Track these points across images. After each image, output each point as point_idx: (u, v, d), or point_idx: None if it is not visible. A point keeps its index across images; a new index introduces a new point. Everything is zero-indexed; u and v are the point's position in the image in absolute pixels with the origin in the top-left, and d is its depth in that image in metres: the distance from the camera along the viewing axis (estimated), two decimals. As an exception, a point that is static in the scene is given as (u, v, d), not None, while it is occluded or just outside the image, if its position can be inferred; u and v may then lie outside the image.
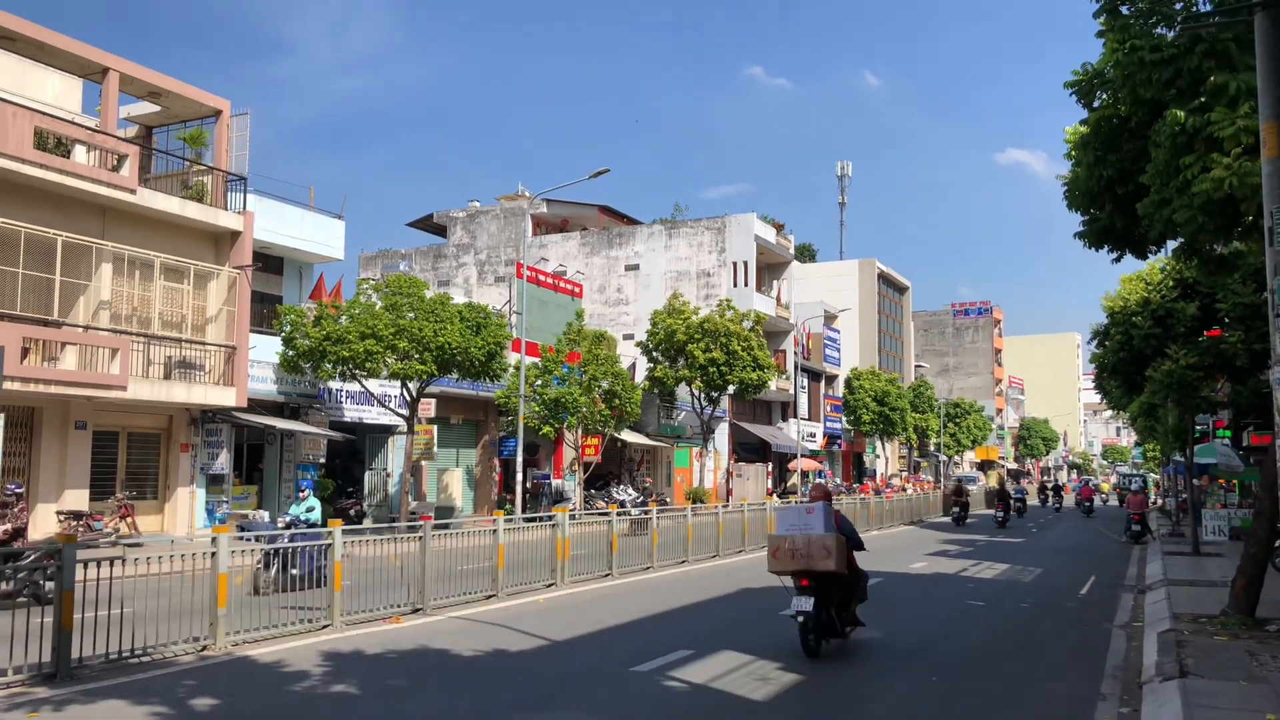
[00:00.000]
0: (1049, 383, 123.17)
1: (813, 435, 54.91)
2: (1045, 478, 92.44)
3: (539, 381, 30.47)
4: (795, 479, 48.16)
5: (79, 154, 19.97)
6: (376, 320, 23.00)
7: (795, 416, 51.28)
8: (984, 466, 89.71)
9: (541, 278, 37.96)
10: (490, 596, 14.02)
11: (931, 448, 74.78)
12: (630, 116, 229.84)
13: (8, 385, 16.95)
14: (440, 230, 56.33)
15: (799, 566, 10.21)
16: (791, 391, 51.25)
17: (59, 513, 19.76)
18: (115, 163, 20.56)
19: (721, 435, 45.39)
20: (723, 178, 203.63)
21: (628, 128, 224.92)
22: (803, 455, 49.17)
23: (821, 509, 10.37)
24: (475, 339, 24.15)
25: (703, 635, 11.39)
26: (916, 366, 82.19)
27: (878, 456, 67.38)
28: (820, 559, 10.06)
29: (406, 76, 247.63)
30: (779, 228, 54.44)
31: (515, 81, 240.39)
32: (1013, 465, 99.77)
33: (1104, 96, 11.41)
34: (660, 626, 12.27)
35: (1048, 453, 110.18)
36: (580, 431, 32.82)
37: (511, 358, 28.85)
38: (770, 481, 48.15)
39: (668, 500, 38.56)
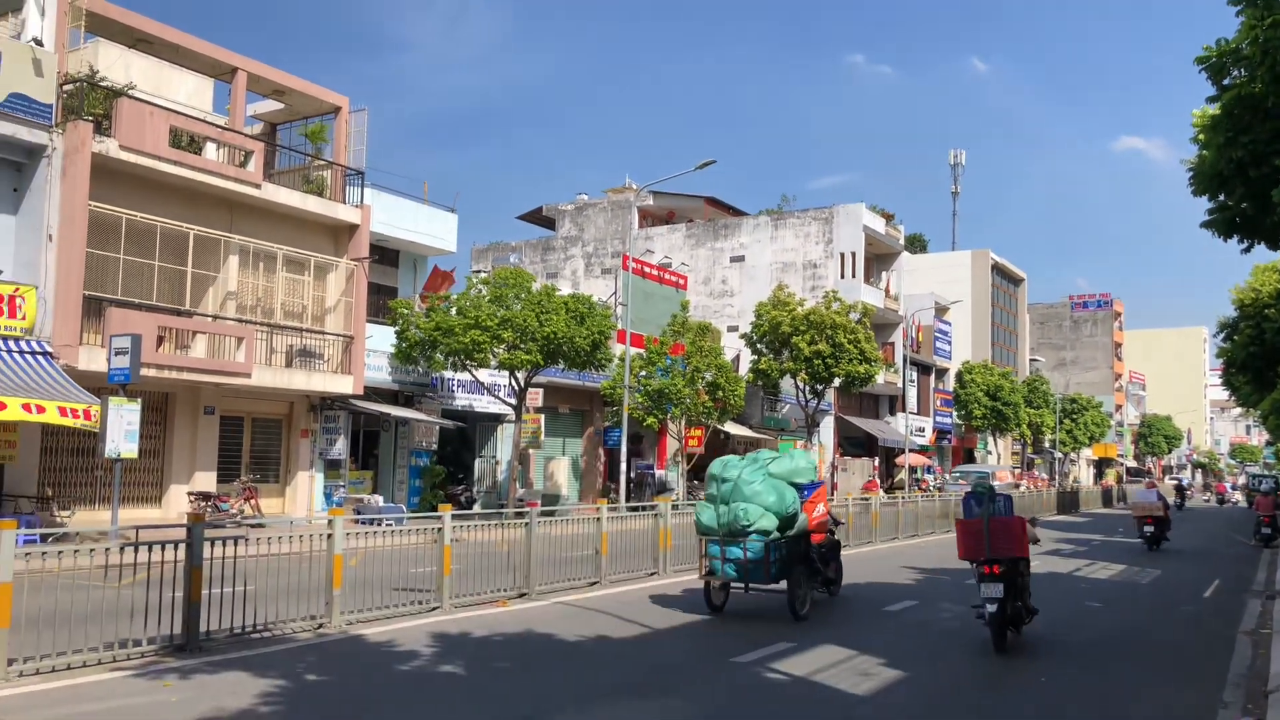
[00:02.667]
0: (1173, 378, 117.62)
1: (921, 430, 53.78)
2: (1169, 477, 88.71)
3: (643, 373, 30.65)
4: (903, 474, 47.27)
5: (209, 151, 20.94)
6: (482, 311, 23.52)
7: (904, 410, 50.30)
8: (1102, 464, 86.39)
9: (647, 269, 38.12)
10: (593, 584, 14.21)
11: (1046, 444, 72.40)
12: (730, 108, 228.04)
13: (144, 372, 17.92)
14: (549, 223, 57.11)
15: (1147, 514, 24.16)
16: (900, 385, 50.29)
17: (189, 493, 20.84)
18: (242, 159, 21.49)
19: (827, 428, 44.87)
20: (831, 168, 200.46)
21: (733, 119, 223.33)
22: (911, 450, 48.24)
23: (1156, 491, 25.42)
24: (580, 329, 24.46)
25: (804, 629, 11.33)
26: (1031, 360, 79.63)
27: (989, 453, 65.56)
28: (1155, 511, 24.14)
29: (518, 72, 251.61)
30: (888, 218, 53.42)
31: (622, 75, 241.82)
32: (1132, 463, 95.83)
33: (1238, 75, 10.85)
34: (759, 618, 12.24)
35: (1170, 451, 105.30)
36: (684, 423, 32.89)
37: (616, 349, 29.10)
38: (877, 476, 47.40)
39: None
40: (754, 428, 40.35)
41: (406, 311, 24.19)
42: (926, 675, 9.25)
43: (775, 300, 38.54)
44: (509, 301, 24.25)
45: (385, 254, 26.58)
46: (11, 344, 17.20)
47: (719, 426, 35.19)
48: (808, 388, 38.35)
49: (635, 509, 18.30)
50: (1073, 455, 79.35)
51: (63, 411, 15.96)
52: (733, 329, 45.89)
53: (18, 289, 17.39)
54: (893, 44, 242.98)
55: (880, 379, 42.71)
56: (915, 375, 53.14)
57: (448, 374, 26.55)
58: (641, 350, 31.72)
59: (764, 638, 10.49)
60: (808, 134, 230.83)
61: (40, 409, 15.63)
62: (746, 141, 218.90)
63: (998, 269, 72.19)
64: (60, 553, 8.58)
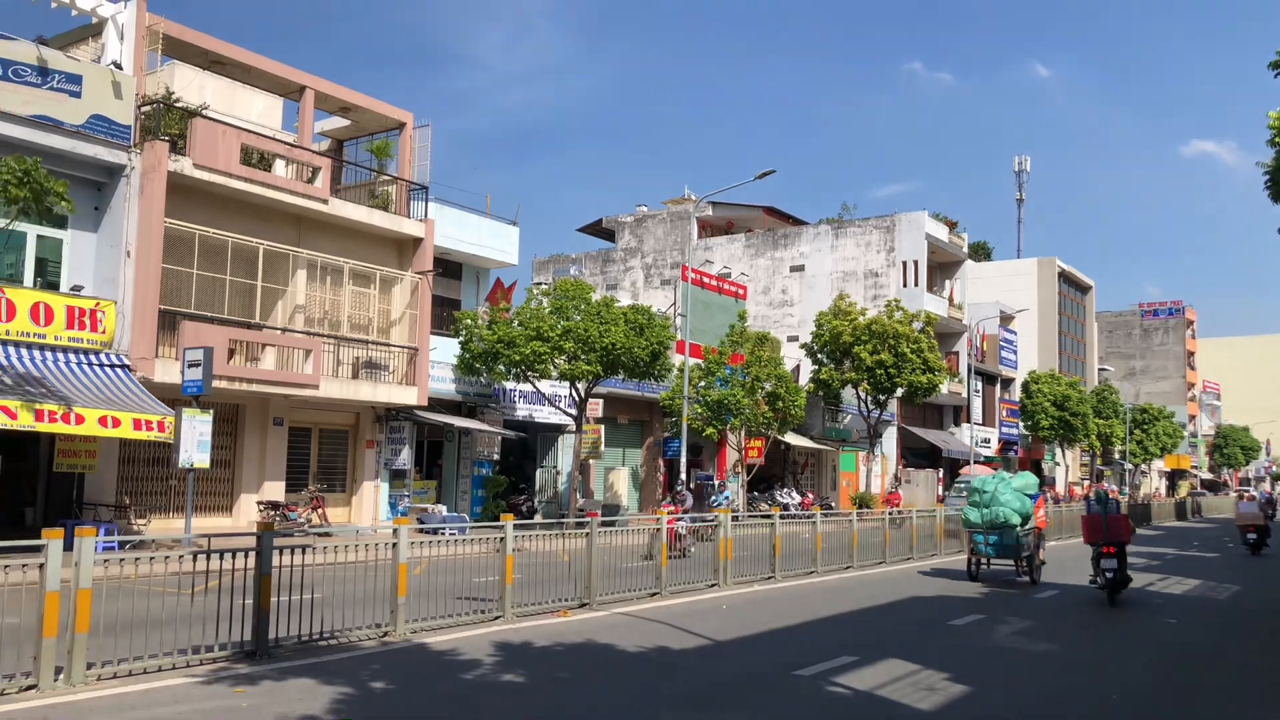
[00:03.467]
0: (1249, 388, 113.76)
1: (986, 441, 52.88)
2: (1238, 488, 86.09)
3: (702, 383, 30.63)
4: (968, 486, 46.43)
5: (279, 167, 21.46)
6: (543, 323, 23.74)
7: (968, 421, 49.52)
8: (1174, 476, 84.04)
9: (706, 280, 38.10)
10: (654, 594, 14.23)
11: (1116, 455, 70.64)
12: (789, 118, 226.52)
13: (216, 384, 18.41)
14: (609, 235, 57.41)
15: (1250, 523, 27.08)
16: (964, 395, 49.53)
17: (259, 502, 21.31)
18: (310, 175, 22.00)
19: (889, 439, 44.35)
20: (892, 176, 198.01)
21: (792, 128, 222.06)
22: (976, 461, 47.40)
23: (1256, 503, 28.58)
24: (639, 340, 24.55)
25: (867, 642, 11.22)
26: (1100, 370, 77.85)
27: (1057, 464, 64.19)
28: (1258, 520, 27.12)
29: (577, 86, 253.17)
30: (951, 225, 52.75)
31: (681, 87, 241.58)
32: (1207, 475, 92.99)
33: (1313, 79, 10.58)
34: (823, 631, 12.16)
35: (1247, 463, 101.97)
36: (743, 433, 32.78)
37: (675, 359, 29.13)
38: (940, 488, 46.68)
39: (832, 504, 38.01)
40: (815, 438, 40.04)
41: (470, 323, 24.51)
42: (992, 691, 9.09)
43: (836, 309, 38.26)
44: (569, 313, 24.46)
45: (449, 267, 26.96)
46: (92, 357, 17.81)
47: (779, 437, 35.01)
48: (869, 398, 37.96)
49: (695, 520, 18.27)
50: (1144, 467, 77.32)
51: (137, 424, 16.44)
52: (793, 339, 45.64)
53: (98, 304, 17.99)
54: (951, 50, 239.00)
55: (944, 389, 42.13)
56: (980, 385, 52.29)
57: (509, 385, 26.81)
58: (700, 361, 31.71)
59: (827, 650, 10.41)
60: (868, 142, 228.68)
61: (116, 422, 16.13)
62: (806, 151, 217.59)
63: (1065, 276, 70.77)
64: (137, 560, 8.85)
